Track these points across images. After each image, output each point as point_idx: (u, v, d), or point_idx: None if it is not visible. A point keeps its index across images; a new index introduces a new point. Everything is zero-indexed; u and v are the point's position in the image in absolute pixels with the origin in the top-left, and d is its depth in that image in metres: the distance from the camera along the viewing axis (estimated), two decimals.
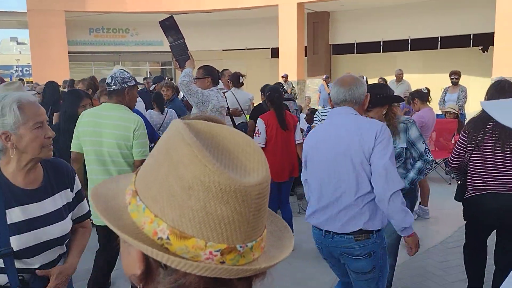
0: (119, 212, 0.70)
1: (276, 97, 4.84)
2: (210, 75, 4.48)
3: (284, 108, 5.04)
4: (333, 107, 2.69)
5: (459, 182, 3.64)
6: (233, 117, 6.01)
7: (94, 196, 0.74)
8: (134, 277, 0.70)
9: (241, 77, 6.66)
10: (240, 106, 6.44)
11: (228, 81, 6.83)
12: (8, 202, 1.80)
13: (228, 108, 5.59)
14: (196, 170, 0.62)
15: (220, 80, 6.60)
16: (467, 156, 3.32)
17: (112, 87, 3.28)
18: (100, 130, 3.22)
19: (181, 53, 4.23)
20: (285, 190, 4.98)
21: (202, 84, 4.42)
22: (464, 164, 3.40)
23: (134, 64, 23.95)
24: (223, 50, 21.57)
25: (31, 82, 15.69)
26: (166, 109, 6.12)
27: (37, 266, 1.87)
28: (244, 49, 21.23)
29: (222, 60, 20.46)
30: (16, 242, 1.78)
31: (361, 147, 2.46)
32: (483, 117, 3.29)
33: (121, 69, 3.44)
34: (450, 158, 3.49)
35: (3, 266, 1.77)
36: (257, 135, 4.78)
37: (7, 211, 1.78)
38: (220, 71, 7.22)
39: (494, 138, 3.20)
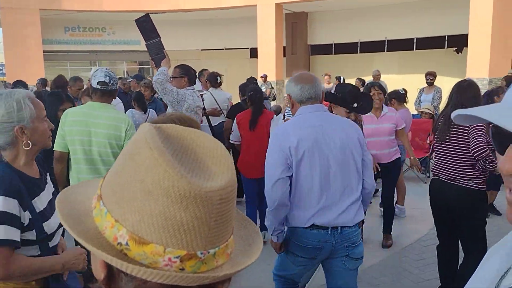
0: (82, 217, 0.69)
1: (257, 98, 5.04)
2: (186, 74, 4.45)
3: (263, 108, 5.15)
4: (294, 106, 2.68)
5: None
6: (209, 117, 6.00)
7: (60, 202, 0.72)
8: (100, 281, 0.70)
9: (218, 77, 6.65)
10: (219, 106, 6.44)
11: (206, 81, 6.81)
12: (31, 193, 1.90)
13: (204, 108, 5.57)
14: (156, 174, 0.61)
15: (199, 80, 6.58)
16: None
17: (110, 87, 3.27)
18: (89, 130, 3.20)
19: (157, 52, 4.20)
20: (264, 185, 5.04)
21: (178, 83, 4.40)
22: None
23: (111, 64, 23.63)
24: (202, 49, 21.46)
25: (4, 81, 15.32)
26: (148, 108, 6.07)
27: (55, 245, 2.02)
28: (223, 49, 21.17)
29: (200, 60, 20.34)
30: (46, 228, 1.90)
31: (360, 145, 2.63)
32: (442, 113, 3.68)
33: (107, 69, 3.42)
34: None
35: (40, 251, 1.88)
36: (232, 132, 5.12)
37: (32, 201, 1.88)
38: (197, 71, 7.20)
39: (439, 130, 3.59)
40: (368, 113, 4.84)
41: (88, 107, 3.33)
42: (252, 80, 7.84)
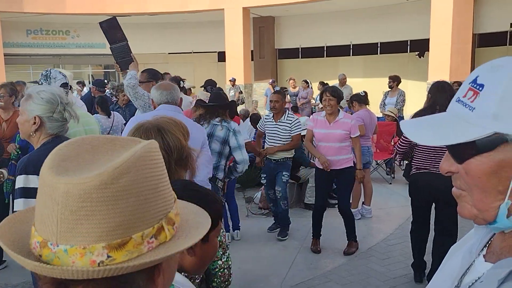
0: None
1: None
2: (154, 78, 4.42)
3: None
4: (155, 107, 3.28)
5: (405, 162, 4.28)
6: None
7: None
8: None
9: (181, 81, 6.66)
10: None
11: None
12: None
13: None
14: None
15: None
16: (413, 143, 4.05)
17: (69, 85, 3.29)
18: (83, 129, 3.19)
19: (123, 56, 4.15)
20: (229, 186, 5.08)
21: (146, 88, 4.35)
22: (408, 149, 4.20)
23: (75, 67, 23.11)
24: (169, 53, 21.30)
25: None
26: (112, 112, 6.00)
27: None
28: (191, 52, 21.08)
29: (168, 63, 20.19)
30: None
31: (206, 140, 3.33)
32: (424, 113, 3.90)
33: (57, 69, 3.38)
34: (398, 146, 4.26)
35: None
36: None
37: None
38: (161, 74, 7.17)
39: None
40: (322, 118, 4.90)
41: None
42: (210, 83, 7.93)
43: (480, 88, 0.76)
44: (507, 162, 0.74)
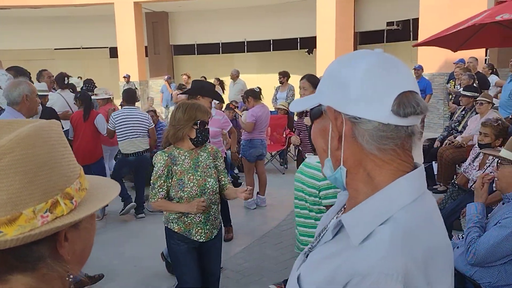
0: None
1: (86, 98, 5.89)
2: (21, 75, 4.30)
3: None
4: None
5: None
6: (61, 121, 5.83)
7: None
8: None
9: (66, 78, 6.46)
10: (71, 108, 6.28)
11: (53, 82, 6.58)
12: None
13: None
14: None
15: (38, 81, 6.33)
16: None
17: None
18: None
19: None
20: (96, 171, 5.65)
21: None
22: None
23: None
24: (55, 49, 20.03)
25: None
26: None
27: None
28: (80, 48, 20.04)
29: (54, 59, 18.98)
30: None
31: None
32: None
33: None
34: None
35: None
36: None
37: None
38: (52, 72, 6.84)
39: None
40: None
41: None
42: (88, 82, 7.78)
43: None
44: (326, 127, 0.97)
